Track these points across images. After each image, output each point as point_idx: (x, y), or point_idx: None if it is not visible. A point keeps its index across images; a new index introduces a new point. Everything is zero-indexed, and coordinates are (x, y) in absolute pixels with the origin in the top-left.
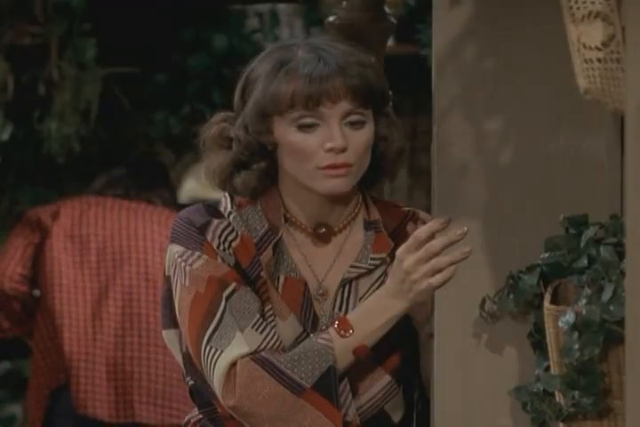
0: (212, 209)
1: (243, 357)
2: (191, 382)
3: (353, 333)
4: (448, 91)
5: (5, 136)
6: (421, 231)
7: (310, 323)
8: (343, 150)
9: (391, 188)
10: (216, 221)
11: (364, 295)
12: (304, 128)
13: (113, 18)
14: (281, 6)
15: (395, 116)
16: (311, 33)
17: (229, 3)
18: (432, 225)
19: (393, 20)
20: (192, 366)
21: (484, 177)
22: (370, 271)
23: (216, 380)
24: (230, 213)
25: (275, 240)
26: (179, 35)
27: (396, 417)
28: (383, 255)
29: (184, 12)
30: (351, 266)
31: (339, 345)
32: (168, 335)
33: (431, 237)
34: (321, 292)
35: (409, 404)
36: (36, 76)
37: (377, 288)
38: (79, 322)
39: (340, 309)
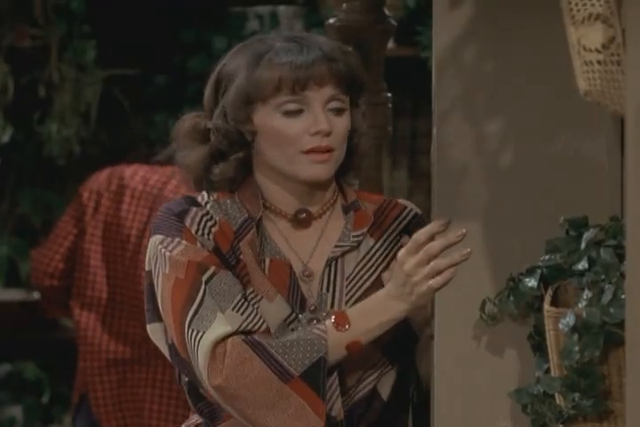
0: (191, 200)
1: (226, 336)
2: (186, 379)
3: (349, 328)
4: (448, 93)
5: (5, 138)
6: (421, 234)
7: (298, 304)
8: (328, 134)
9: (391, 189)
10: (195, 209)
11: (350, 275)
12: (289, 114)
13: (113, 20)
14: (281, 8)
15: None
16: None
17: (229, 4)
18: (432, 227)
19: (393, 22)
20: (178, 357)
21: (485, 179)
22: (353, 249)
23: (201, 360)
24: (208, 203)
25: (254, 223)
26: (179, 36)
27: (385, 395)
28: (364, 230)
29: (184, 14)
30: (335, 246)
31: (333, 338)
32: (153, 329)
33: (431, 238)
34: (307, 273)
35: (398, 385)
36: (36, 78)
37: (363, 267)
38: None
39: (327, 289)
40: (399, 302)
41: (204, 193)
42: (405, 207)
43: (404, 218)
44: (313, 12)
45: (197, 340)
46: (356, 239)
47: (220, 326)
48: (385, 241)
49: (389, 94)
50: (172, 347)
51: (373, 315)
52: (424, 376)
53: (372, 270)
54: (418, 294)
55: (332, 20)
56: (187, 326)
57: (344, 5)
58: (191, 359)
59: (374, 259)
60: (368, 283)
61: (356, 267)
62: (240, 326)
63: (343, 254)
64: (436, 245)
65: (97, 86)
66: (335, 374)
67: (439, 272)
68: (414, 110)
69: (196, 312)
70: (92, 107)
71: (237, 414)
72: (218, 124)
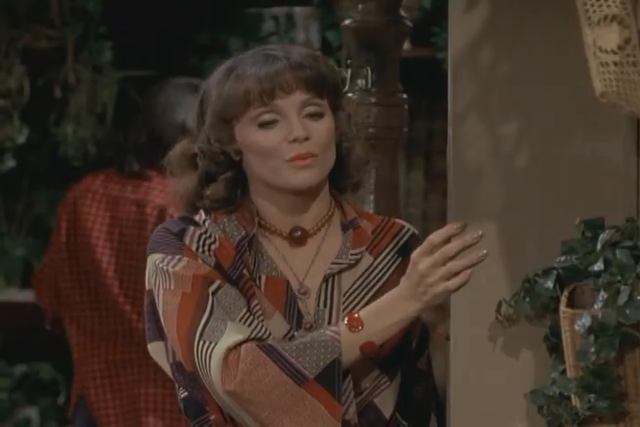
0: (188, 219)
1: (239, 344)
2: (184, 394)
3: (362, 329)
4: (464, 93)
5: (21, 139)
6: (436, 235)
7: (295, 321)
8: (306, 139)
9: (407, 190)
10: (192, 228)
11: (347, 291)
12: (264, 125)
13: (129, 21)
14: (297, 9)
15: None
16: (327, 36)
17: (245, 6)
18: (447, 229)
19: (409, 23)
20: (182, 374)
21: (500, 180)
22: (351, 266)
23: (213, 367)
24: (205, 221)
25: (250, 240)
26: (194, 37)
27: (387, 413)
28: (362, 249)
29: (200, 15)
30: (332, 262)
31: (346, 339)
32: (154, 348)
33: (446, 241)
34: (303, 291)
35: (400, 400)
36: (52, 79)
37: (362, 284)
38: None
39: (324, 305)
40: (412, 301)
41: (202, 213)
42: (403, 227)
43: (402, 237)
44: (329, 13)
45: (210, 350)
46: (354, 257)
47: (231, 335)
48: (383, 259)
49: (405, 95)
50: (175, 364)
51: (386, 315)
52: (436, 377)
53: (369, 287)
54: (432, 295)
55: (347, 22)
56: (197, 337)
57: (360, 6)
58: (200, 369)
59: (372, 276)
60: (366, 299)
61: (354, 283)
62: (251, 335)
63: (340, 272)
64: (453, 246)
65: (113, 87)
66: (350, 376)
67: (455, 274)
68: (430, 111)
69: (206, 323)
70: (107, 108)
71: (252, 419)
72: (202, 148)
